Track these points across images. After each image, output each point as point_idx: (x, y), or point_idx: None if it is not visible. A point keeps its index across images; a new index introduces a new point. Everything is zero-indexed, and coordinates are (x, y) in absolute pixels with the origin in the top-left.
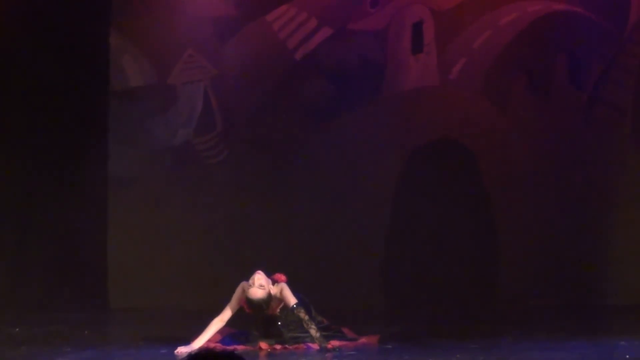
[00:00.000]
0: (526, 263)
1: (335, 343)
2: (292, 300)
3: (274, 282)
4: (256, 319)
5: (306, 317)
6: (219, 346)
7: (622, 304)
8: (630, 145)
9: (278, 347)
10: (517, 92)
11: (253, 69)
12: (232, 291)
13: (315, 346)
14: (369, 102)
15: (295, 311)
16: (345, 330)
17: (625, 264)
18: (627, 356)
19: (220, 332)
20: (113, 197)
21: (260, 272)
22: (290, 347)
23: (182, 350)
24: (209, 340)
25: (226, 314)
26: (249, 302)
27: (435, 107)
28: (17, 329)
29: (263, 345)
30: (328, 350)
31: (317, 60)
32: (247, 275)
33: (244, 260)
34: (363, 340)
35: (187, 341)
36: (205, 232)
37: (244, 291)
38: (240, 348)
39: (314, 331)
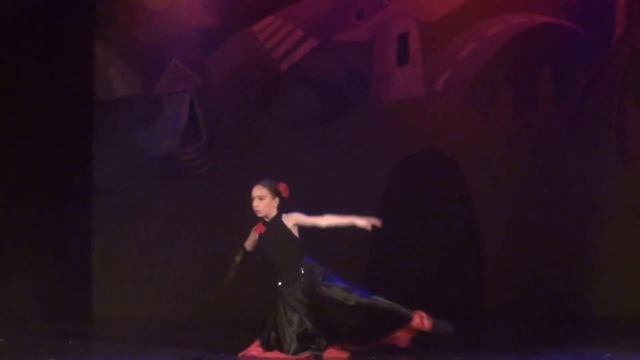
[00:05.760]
0: (511, 274)
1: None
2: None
3: (278, 193)
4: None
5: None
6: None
7: (608, 316)
8: (615, 157)
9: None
10: (502, 103)
11: (238, 79)
12: (218, 301)
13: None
14: (354, 113)
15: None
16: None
17: (610, 276)
18: None
19: None
20: (97, 207)
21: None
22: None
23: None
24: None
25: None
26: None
27: (420, 119)
28: (1, 340)
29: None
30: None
31: (302, 71)
32: (234, 287)
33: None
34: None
35: (173, 351)
36: (190, 242)
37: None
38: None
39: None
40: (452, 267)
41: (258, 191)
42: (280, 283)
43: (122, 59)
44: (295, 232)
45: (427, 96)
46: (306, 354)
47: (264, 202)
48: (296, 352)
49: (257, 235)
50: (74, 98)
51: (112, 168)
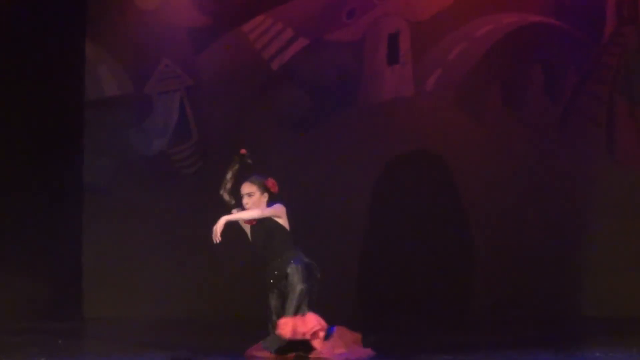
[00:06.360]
0: (500, 274)
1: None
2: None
3: (266, 189)
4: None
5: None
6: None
7: (597, 316)
8: (605, 157)
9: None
10: (492, 103)
11: (229, 79)
12: (209, 301)
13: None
14: (344, 112)
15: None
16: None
17: (601, 275)
18: None
19: None
20: (88, 207)
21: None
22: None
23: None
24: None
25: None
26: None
27: (410, 118)
28: None
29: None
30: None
31: (293, 70)
32: (223, 286)
33: (218, 270)
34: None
35: (163, 351)
36: (180, 241)
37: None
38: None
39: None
40: (443, 267)
41: (247, 188)
42: (270, 275)
43: (113, 58)
44: (283, 222)
45: (417, 95)
46: (292, 354)
47: (253, 198)
48: (281, 352)
49: (248, 227)
50: (65, 97)
51: (102, 167)
